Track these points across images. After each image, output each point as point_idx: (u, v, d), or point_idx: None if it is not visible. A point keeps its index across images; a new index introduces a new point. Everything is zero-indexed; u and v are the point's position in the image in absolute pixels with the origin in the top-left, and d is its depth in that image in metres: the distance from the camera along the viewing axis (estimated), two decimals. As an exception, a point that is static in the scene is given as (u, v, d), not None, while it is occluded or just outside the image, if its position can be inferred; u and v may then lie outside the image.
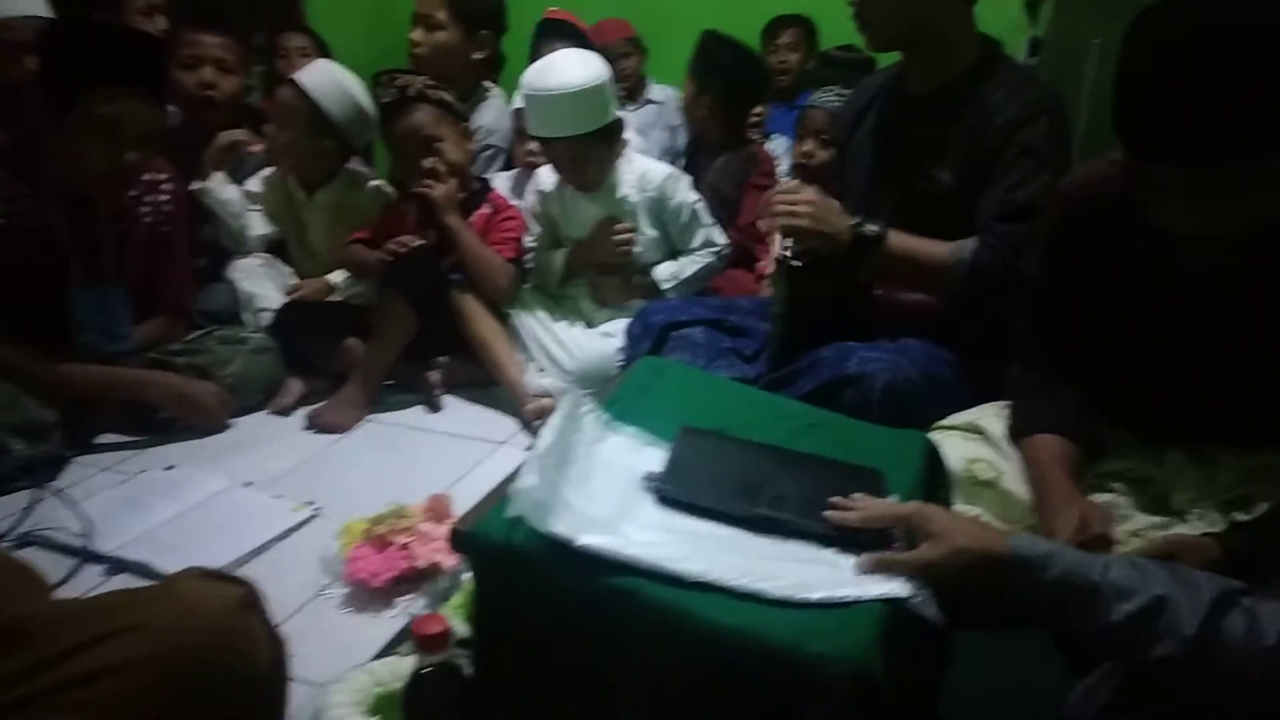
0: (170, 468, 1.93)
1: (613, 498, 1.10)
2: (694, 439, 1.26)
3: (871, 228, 1.66)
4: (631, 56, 3.56)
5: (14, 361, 1.88)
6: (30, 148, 1.88)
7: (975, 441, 1.42)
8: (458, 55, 2.74)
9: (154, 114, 1.89)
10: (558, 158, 2.30)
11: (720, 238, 2.37)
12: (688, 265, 2.33)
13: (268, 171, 2.52)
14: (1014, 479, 1.33)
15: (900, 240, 1.67)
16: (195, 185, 2.39)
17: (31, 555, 1.56)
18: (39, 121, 1.86)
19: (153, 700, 0.82)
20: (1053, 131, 1.62)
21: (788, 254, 1.70)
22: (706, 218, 2.36)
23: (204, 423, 2.08)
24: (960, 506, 1.40)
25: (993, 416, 1.43)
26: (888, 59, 1.86)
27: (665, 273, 2.32)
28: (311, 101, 2.36)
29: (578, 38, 2.85)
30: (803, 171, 2.49)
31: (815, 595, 0.98)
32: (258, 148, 2.52)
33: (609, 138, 2.24)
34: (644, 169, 2.35)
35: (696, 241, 2.35)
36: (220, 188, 2.42)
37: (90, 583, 1.56)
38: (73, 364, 1.95)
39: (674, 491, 1.14)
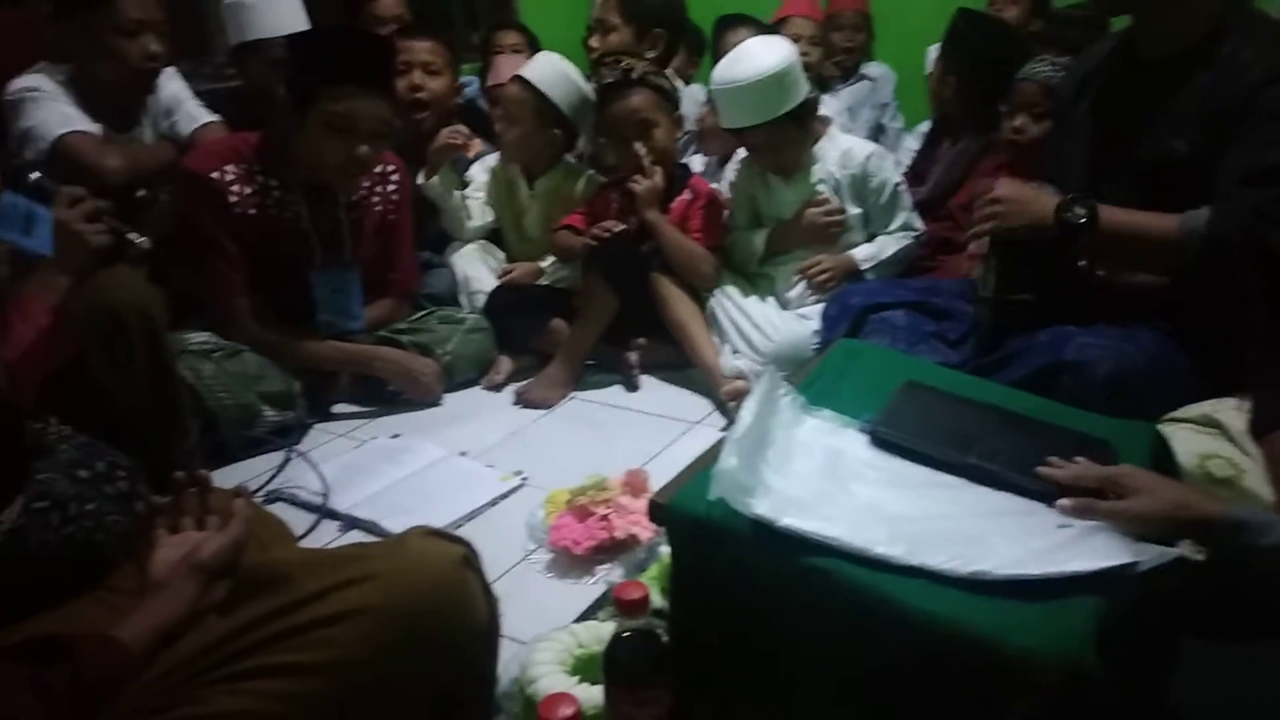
0: (396, 436, 2.10)
1: (813, 480, 1.10)
2: (915, 392, 1.28)
3: (1079, 211, 1.54)
4: (860, 32, 3.51)
5: (267, 337, 2.11)
6: (281, 146, 2.09)
7: (1211, 436, 1.31)
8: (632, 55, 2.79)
9: (384, 109, 2.04)
10: (753, 145, 2.30)
11: (919, 223, 2.31)
12: (887, 246, 2.28)
13: (491, 161, 2.66)
14: (1256, 479, 1.22)
15: (1115, 217, 1.54)
16: (420, 180, 2.56)
17: (278, 510, 1.73)
18: (287, 121, 2.05)
19: (387, 642, 0.91)
20: None
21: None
22: (907, 200, 2.30)
23: (424, 396, 2.25)
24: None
25: (1232, 410, 1.31)
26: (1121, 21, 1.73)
27: (864, 254, 2.28)
28: (539, 94, 2.46)
29: (758, 27, 2.83)
30: (1014, 149, 2.36)
31: (1033, 571, 0.93)
32: (473, 150, 2.65)
33: (802, 119, 2.22)
34: (847, 146, 2.31)
35: (895, 223, 2.29)
36: (443, 182, 2.58)
37: (327, 536, 1.72)
38: (313, 340, 2.16)
39: (887, 433, 1.17)
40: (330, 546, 1.65)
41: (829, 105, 2.86)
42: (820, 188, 2.30)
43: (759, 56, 2.17)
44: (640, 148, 2.32)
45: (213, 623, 0.96)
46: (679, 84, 2.98)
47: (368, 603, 0.91)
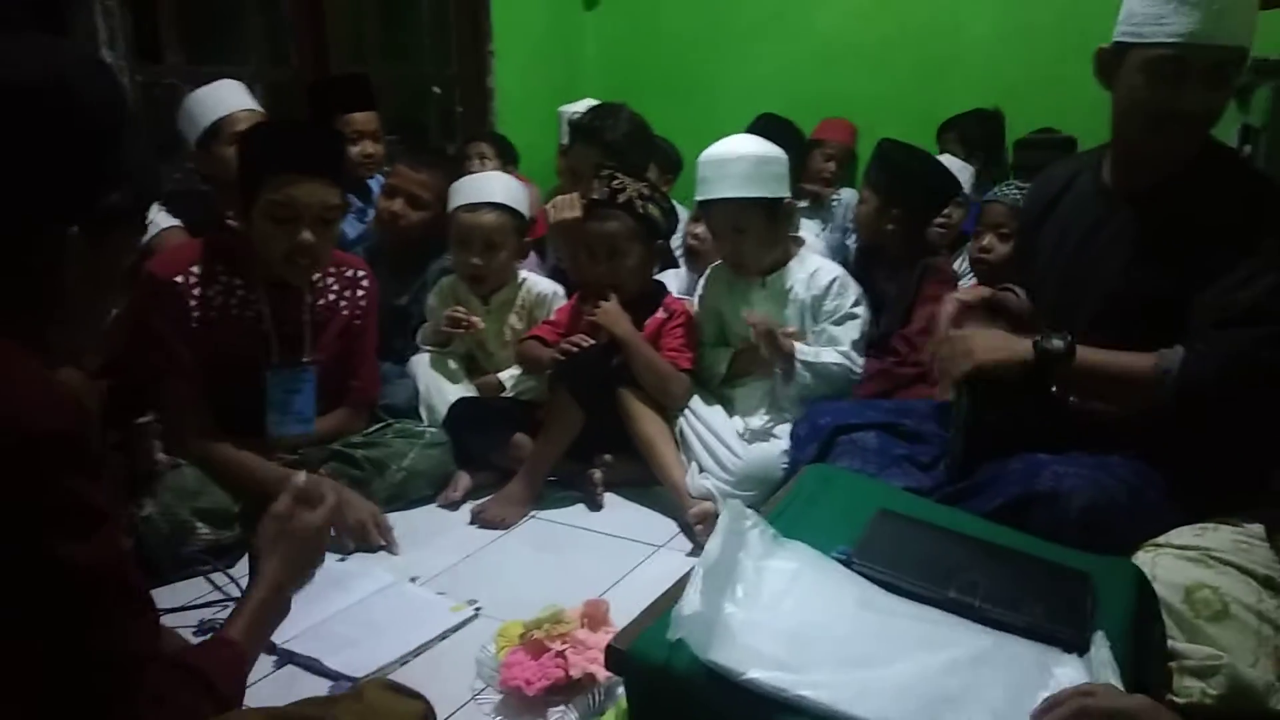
0: (342, 559, 1.97)
1: (783, 621, 1.03)
2: (890, 521, 1.27)
3: (1056, 343, 1.52)
4: (832, 161, 3.61)
5: (212, 456, 1.99)
6: (244, 244, 2.03)
7: (1196, 563, 1.27)
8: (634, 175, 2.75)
9: (328, 195, 1.99)
10: (717, 227, 2.29)
11: (856, 362, 2.23)
12: (824, 355, 2.20)
13: (446, 279, 2.60)
14: (1242, 609, 1.18)
15: (1091, 355, 1.52)
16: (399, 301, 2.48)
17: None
18: (241, 214, 2.01)
19: None
20: None
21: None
22: (854, 333, 2.25)
23: (356, 540, 2.00)
24: (1181, 646, 1.24)
25: (1213, 532, 1.28)
26: (1090, 138, 1.73)
27: (804, 350, 2.19)
28: (517, 214, 2.47)
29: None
30: (982, 267, 2.37)
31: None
32: (475, 329, 2.47)
33: (771, 215, 2.22)
34: (815, 267, 2.30)
35: (835, 348, 2.23)
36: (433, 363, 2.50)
37: (261, 672, 1.57)
38: (254, 458, 2.02)
39: (864, 566, 1.16)
40: (261, 682, 1.52)
41: (804, 228, 2.88)
42: (786, 313, 2.26)
43: (749, 141, 2.25)
44: (603, 270, 2.29)
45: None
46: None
47: None
